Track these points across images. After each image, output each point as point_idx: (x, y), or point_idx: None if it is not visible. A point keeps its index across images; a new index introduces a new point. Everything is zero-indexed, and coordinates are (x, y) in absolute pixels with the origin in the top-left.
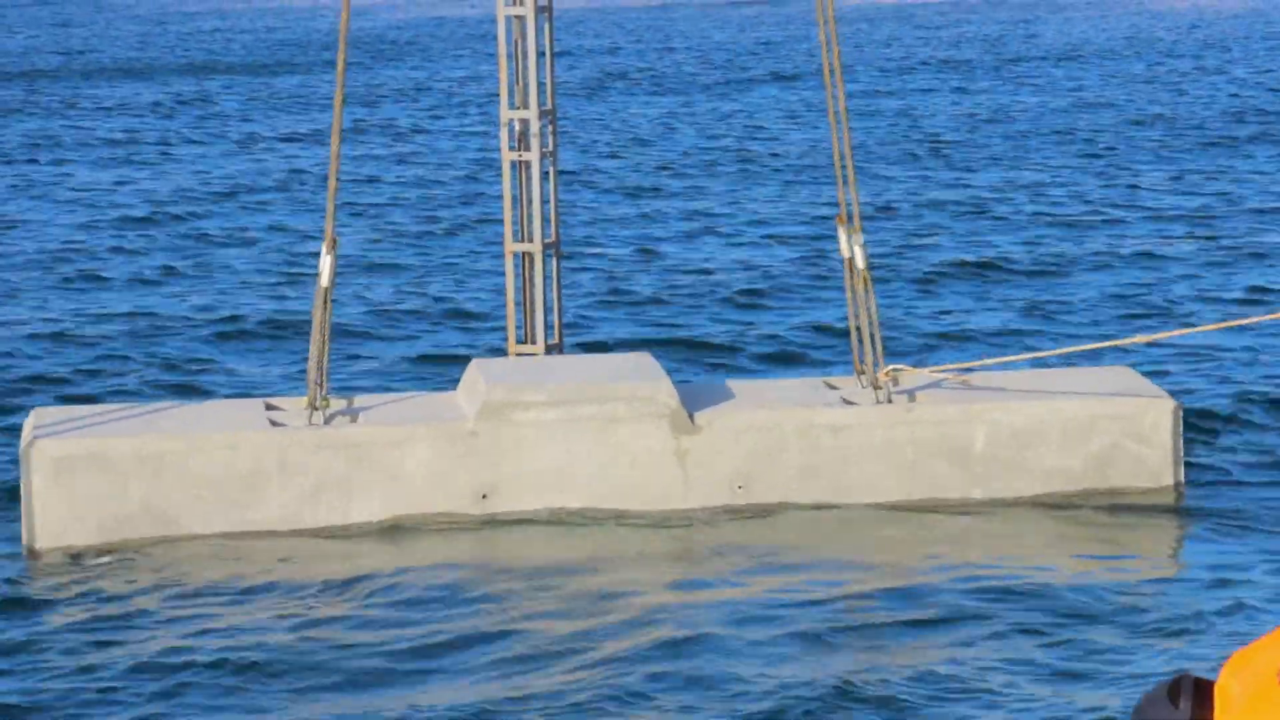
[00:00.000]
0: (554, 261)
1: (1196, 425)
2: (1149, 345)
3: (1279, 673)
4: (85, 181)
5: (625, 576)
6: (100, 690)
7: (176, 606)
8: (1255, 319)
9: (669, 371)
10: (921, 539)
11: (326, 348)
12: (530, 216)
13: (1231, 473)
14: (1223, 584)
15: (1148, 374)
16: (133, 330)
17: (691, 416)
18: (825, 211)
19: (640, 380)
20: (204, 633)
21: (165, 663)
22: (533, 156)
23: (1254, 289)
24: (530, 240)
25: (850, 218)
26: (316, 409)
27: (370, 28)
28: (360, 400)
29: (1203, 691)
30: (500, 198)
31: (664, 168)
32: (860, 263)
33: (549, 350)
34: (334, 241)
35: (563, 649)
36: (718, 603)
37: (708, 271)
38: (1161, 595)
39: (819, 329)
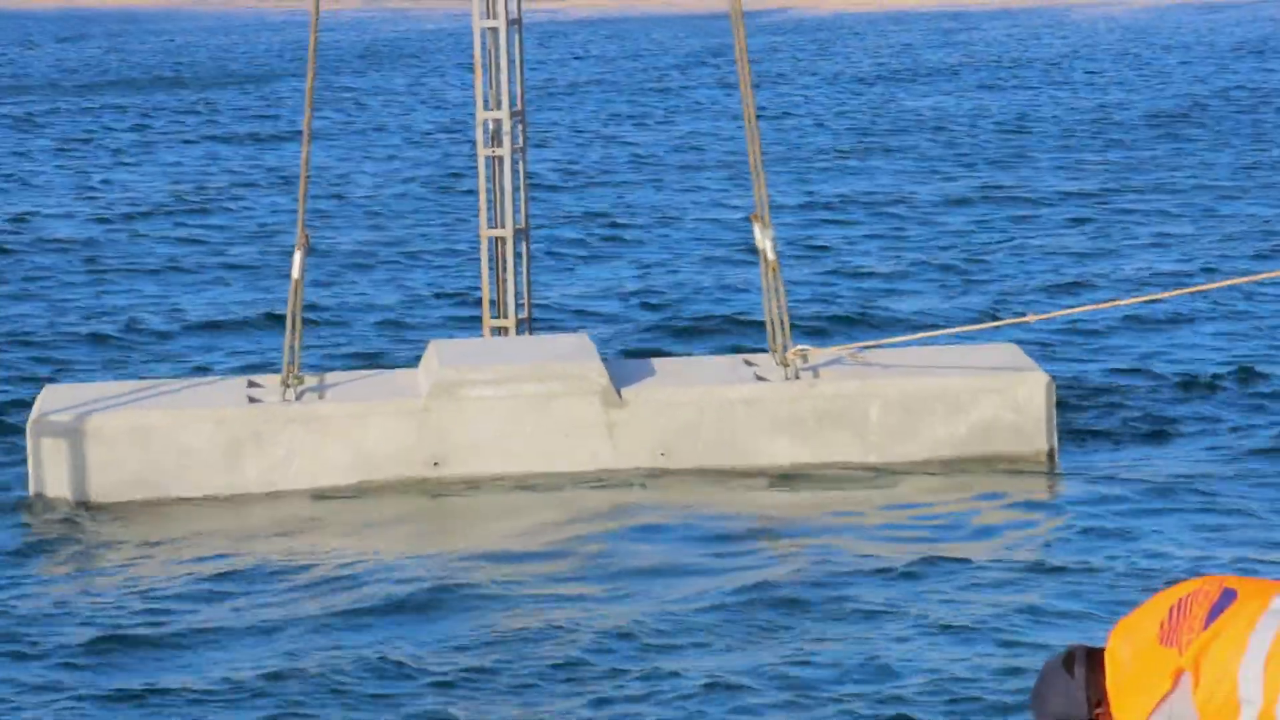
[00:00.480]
0: (524, 245)
1: (1073, 396)
2: (1045, 322)
3: (1157, 636)
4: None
5: (558, 531)
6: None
7: (156, 555)
8: (1127, 300)
9: (613, 349)
10: (821, 500)
11: (299, 332)
12: (502, 205)
13: (1102, 438)
14: (1091, 533)
15: (1040, 348)
16: (146, 314)
17: (619, 392)
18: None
19: (574, 361)
20: (178, 576)
21: (144, 606)
22: (504, 152)
23: (1142, 271)
24: (502, 226)
25: (761, 215)
26: (289, 386)
27: (342, 39)
28: (331, 377)
29: (1094, 658)
30: (473, 191)
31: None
32: (770, 255)
33: (519, 324)
34: (304, 240)
35: (500, 593)
36: (638, 554)
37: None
38: (1039, 548)
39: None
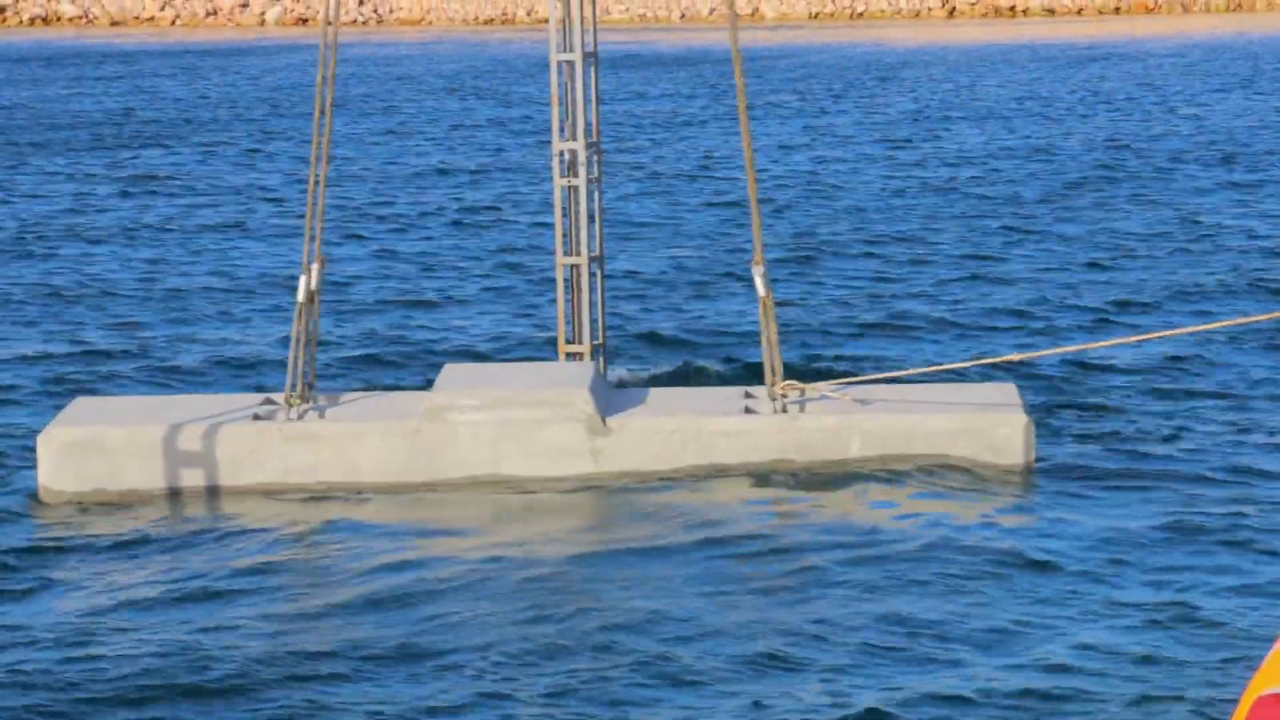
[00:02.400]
0: (599, 273)
1: (1056, 428)
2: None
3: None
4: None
5: (531, 546)
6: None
7: (143, 553)
8: (1114, 341)
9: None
10: (800, 527)
11: (303, 354)
12: (578, 234)
13: (1081, 474)
14: (1057, 574)
15: (1038, 379)
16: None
17: (605, 420)
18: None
19: (561, 388)
20: (160, 572)
21: (132, 597)
22: (580, 182)
23: (1122, 305)
24: (578, 254)
25: (756, 253)
26: (291, 405)
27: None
28: (346, 397)
29: None
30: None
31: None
32: (762, 292)
33: (594, 349)
34: (309, 265)
35: (476, 606)
36: (611, 565)
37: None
38: (1002, 587)
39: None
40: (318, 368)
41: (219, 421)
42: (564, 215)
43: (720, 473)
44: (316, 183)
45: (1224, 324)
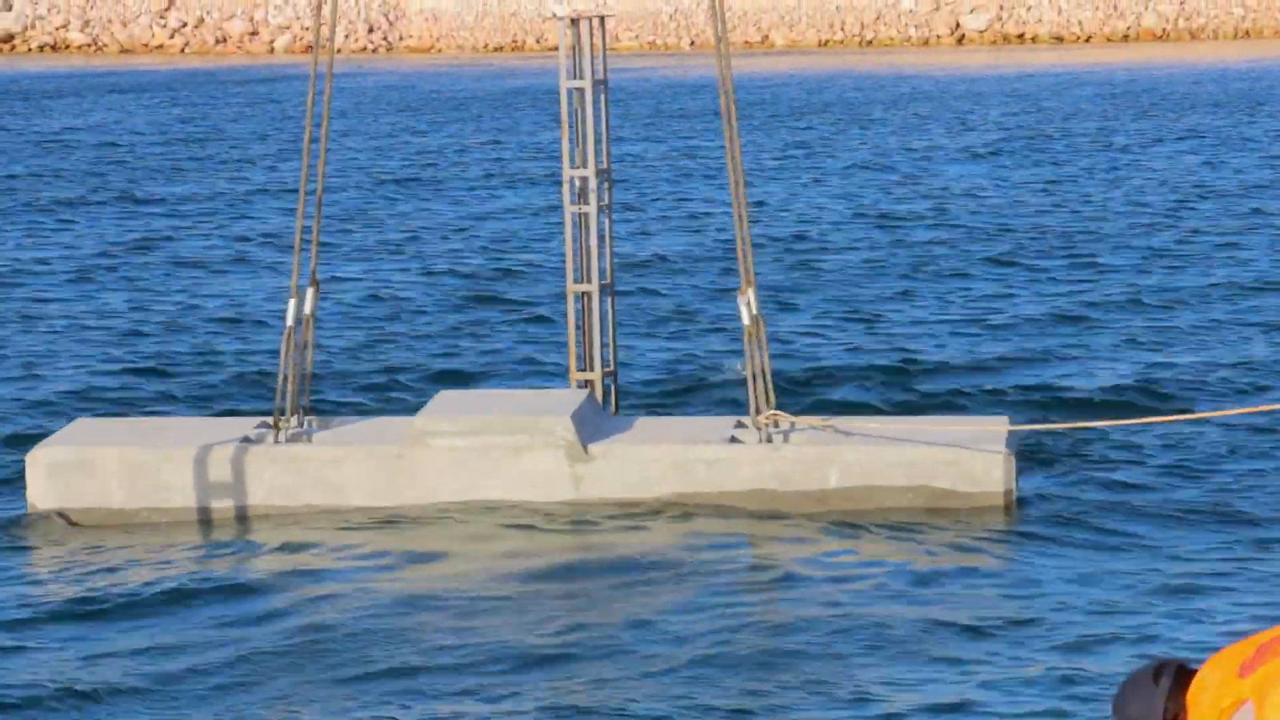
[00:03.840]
0: (609, 300)
1: (1040, 458)
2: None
3: (1239, 668)
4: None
5: (510, 568)
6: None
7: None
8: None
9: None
10: (777, 555)
11: (293, 378)
12: (589, 261)
13: (1063, 506)
14: (1039, 596)
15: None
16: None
17: (586, 448)
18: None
19: (543, 415)
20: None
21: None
22: (591, 209)
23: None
24: (589, 281)
25: (748, 275)
26: (280, 429)
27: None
28: (336, 421)
29: (1182, 676)
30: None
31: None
32: (746, 320)
33: (605, 376)
34: (298, 288)
35: (454, 625)
36: (577, 591)
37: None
38: (976, 617)
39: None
40: (323, 391)
41: (209, 444)
42: (574, 242)
43: (699, 501)
44: (309, 204)
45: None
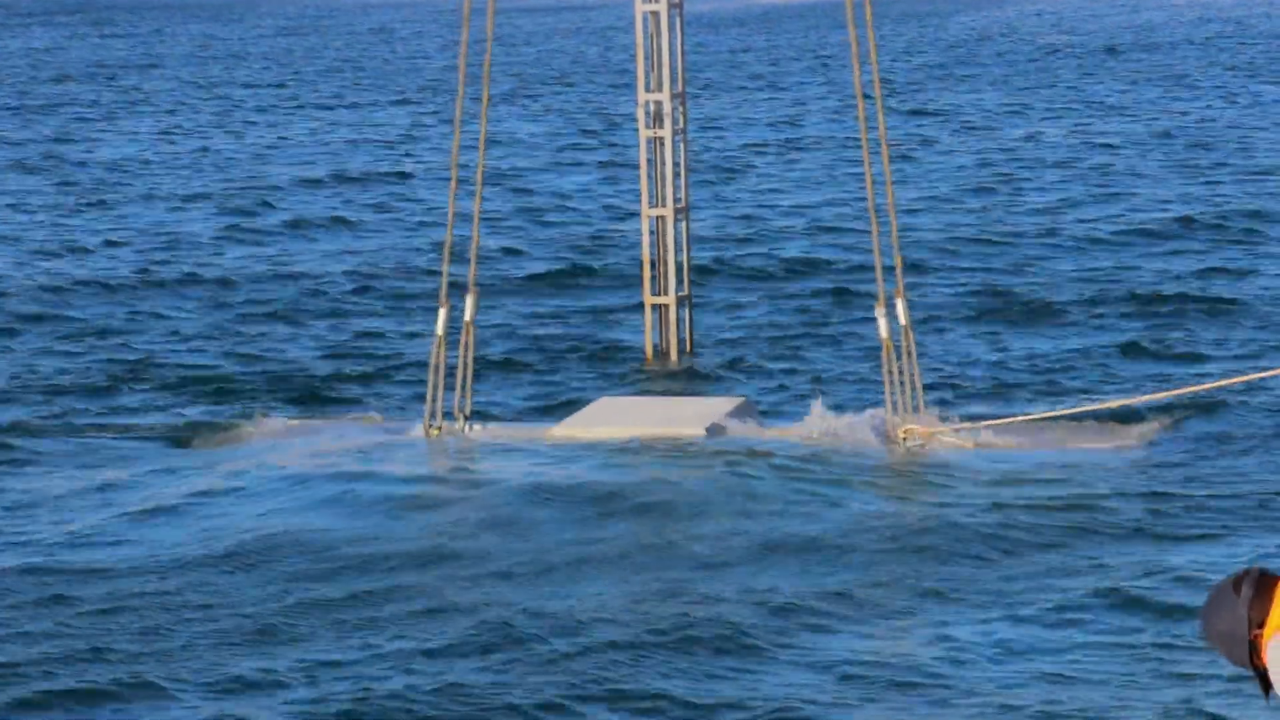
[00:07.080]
0: (684, 224)
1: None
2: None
3: None
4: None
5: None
6: None
7: None
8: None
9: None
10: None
11: (442, 384)
12: (664, 185)
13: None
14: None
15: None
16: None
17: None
18: None
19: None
20: None
21: None
22: (665, 133)
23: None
24: (664, 205)
25: (889, 299)
26: (432, 435)
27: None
28: (494, 428)
29: (1264, 583)
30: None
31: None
32: (884, 333)
33: (679, 300)
34: (445, 298)
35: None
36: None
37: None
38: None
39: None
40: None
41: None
42: (649, 166)
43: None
44: (459, 209)
45: None
